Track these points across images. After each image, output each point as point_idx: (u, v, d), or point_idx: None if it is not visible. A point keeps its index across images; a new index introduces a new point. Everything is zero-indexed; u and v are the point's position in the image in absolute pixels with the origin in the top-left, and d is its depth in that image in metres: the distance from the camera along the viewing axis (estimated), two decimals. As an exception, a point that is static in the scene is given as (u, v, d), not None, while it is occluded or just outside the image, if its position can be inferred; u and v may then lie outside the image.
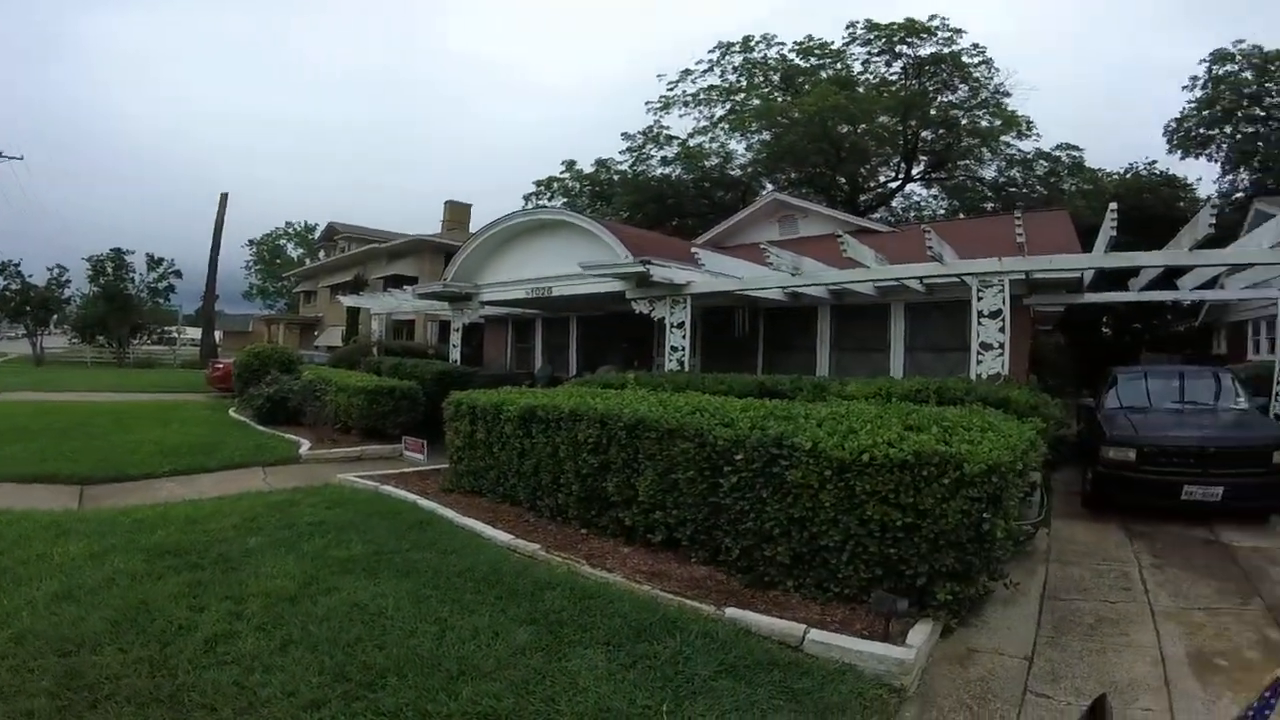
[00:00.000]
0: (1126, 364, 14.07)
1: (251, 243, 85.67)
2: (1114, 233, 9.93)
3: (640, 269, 12.33)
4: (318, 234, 60.82)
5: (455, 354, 18.25)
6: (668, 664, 4.66)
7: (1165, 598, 6.57)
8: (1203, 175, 67.29)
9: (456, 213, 45.27)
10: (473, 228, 41.83)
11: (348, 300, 27.18)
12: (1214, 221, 9.52)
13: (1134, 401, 11.05)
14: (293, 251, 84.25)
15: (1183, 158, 39.10)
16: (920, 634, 5.08)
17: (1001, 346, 9.82)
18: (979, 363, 9.90)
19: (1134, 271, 15.01)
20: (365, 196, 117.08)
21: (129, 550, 6.58)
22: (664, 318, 12.79)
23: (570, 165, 42.87)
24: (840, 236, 11.05)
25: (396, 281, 32.24)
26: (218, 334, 46.96)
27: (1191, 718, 4.55)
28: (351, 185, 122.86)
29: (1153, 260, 11.37)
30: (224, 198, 43.30)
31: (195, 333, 57.02)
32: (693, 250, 13.17)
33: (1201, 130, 37.54)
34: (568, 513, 7.97)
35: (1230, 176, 37.87)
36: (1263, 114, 35.29)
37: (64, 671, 4.31)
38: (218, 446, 12.84)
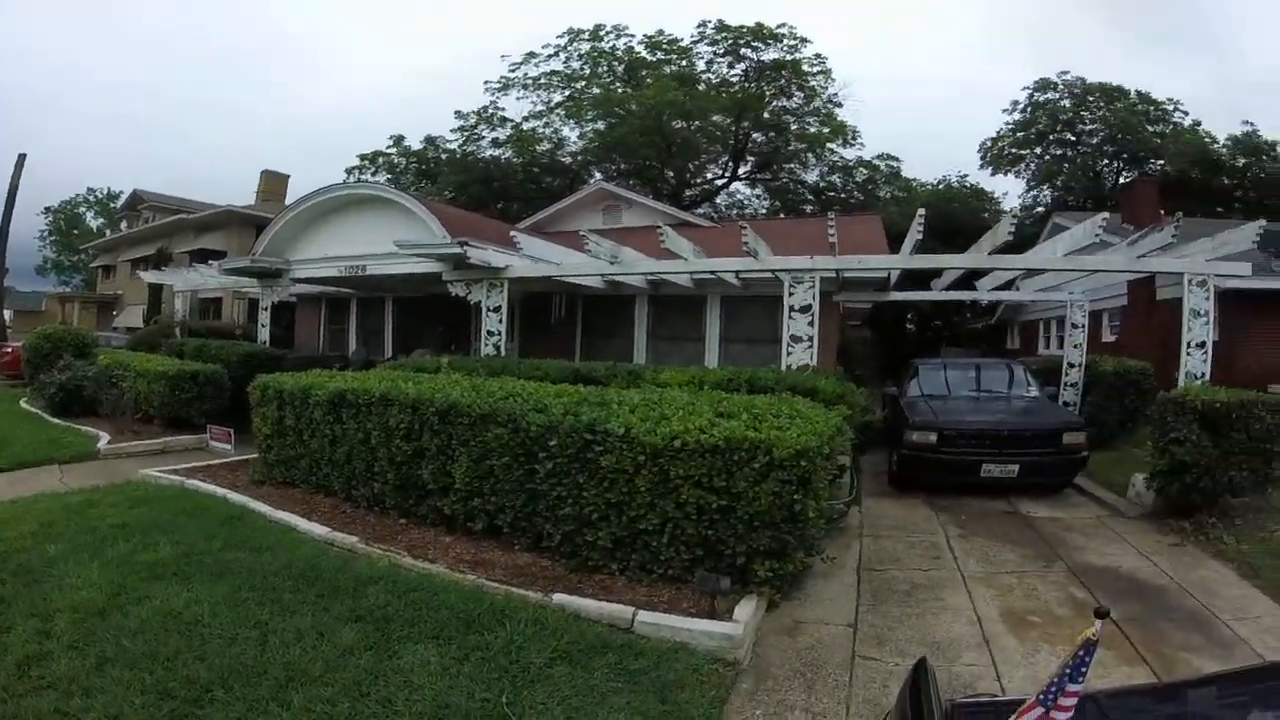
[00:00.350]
0: (927, 357, 14.84)
1: (48, 210, 74.68)
2: (920, 236, 10.40)
3: (457, 250, 11.86)
4: (121, 203, 55.41)
5: (264, 334, 16.86)
6: (501, 654, 4.55)
7: (974, 564, 7.14)
8: (1010, 190, 72.67)
9: (273, 184, 41.47)
10: (290, 201, 39.98)
11: (149, 276, 24.53)
12: (1013, 231, 10.18)
13: (934, 390, 11.86)
14: (93, 222, 74.59)
15: (993, 174, 43.64)
16: (746, 610, 5.18)
17: (811, 339, 10.07)
18: (789, 354, 10.09)
19: (938, 273, 15.93)
20: (177, 164, 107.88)
21: (-88, 569, 5.86)
22: (481, 301, 12.36)
23: (398, 141, 41.46)
24: (660, 228, 11.01)
25: (204, 256, 29.79)
26: (7, 314, 42.15)
27: (1012, 669, 4.86)
28: (163, 150, 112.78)
29: (953, 262, 12.15)
30: (21, 159, 38.28)
31: (-16, 312, 50.95)
32: (512, 234, 12.79)
33: (1014, 150, 41.91)
34: (385, 502, 7.57)
35: (1034, 192, 42.41)
36: (1073, 139, 39.65)
37: None
38: (7, 442, 11.47)
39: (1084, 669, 1.79)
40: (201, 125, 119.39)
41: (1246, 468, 7.94)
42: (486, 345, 12.12)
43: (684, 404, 6.48)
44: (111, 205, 68.41)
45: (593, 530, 5.93)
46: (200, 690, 4.06)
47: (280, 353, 16.23)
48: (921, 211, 10.43)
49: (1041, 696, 1.84)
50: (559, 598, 5.39)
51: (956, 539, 7.96)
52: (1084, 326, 14.62)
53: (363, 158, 41.77)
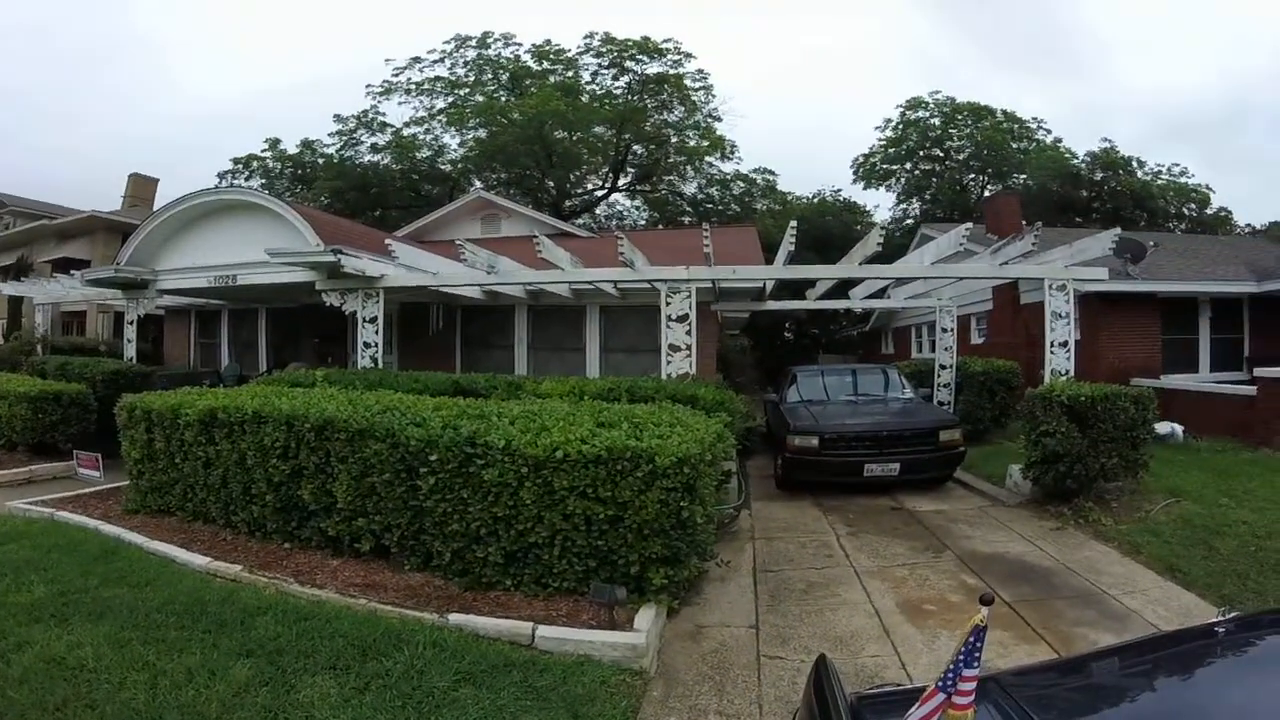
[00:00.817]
0: (804, 364, 15.19)
1: None
2: (793, 247, 10.62)
3: (331, 259, 11.38)
4: None
5: (130, 350, 15.57)
6: (402, 680, 4.38)
7: (865, 559, 7.33)
8: (881, 204, 75.57)
9: (140, 188, 38.32)
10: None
11: (7, 288, 22.66)
12: (882, 241, 10.50)
13: (813, 395, 12.21)
14: None
15: (865, 188, 46.04)
16: (646, 618, 5.15)
17: (689, 348, 10.14)
18: (668, 363, 10.15)
19: (813, 283, 16.41)
20: (40, 166, 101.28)
21: None
22: (356, 312, 11.92)
23: (274, 144, 39.44)
24: (537, 238, 10.91)
25: (67, 266, 27.32)
26: None
27: (915, 657, 5.03)
28: (23, 151, 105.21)
29: (825, 273, 12.60)
30: None
31: None
32: (387, 242, 12.42)
33: (885, 165, 43.78)
34: (266, 526, 7.16)
35: (904, 205, 44.44)
36: (941, 154, 41.85)
37: None
38: None
39: (977, 654, 1.87)
40: (67, 125, 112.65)
41: (1116, 454, 8.49)
42: (363, 357, 11.69)
43: (564, 415, 6.35)
44: None
45: (482, 546, 5.78)
46: (95, 741, 3.72)
47: (148, 370, 15.15)
48: (794, 223, 10.68)
49: (940, 683, 1.91)
50: (455, 618, 5.23)
51: (847, 536, 8.15)
52: (953, 330, 15.25)
53: (235, 161, 39.65)
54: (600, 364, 15.68)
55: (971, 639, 1.87)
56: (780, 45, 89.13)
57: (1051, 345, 10.10)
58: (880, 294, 17.46)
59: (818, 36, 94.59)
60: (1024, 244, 10.49)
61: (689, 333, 10.10)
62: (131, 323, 15.46)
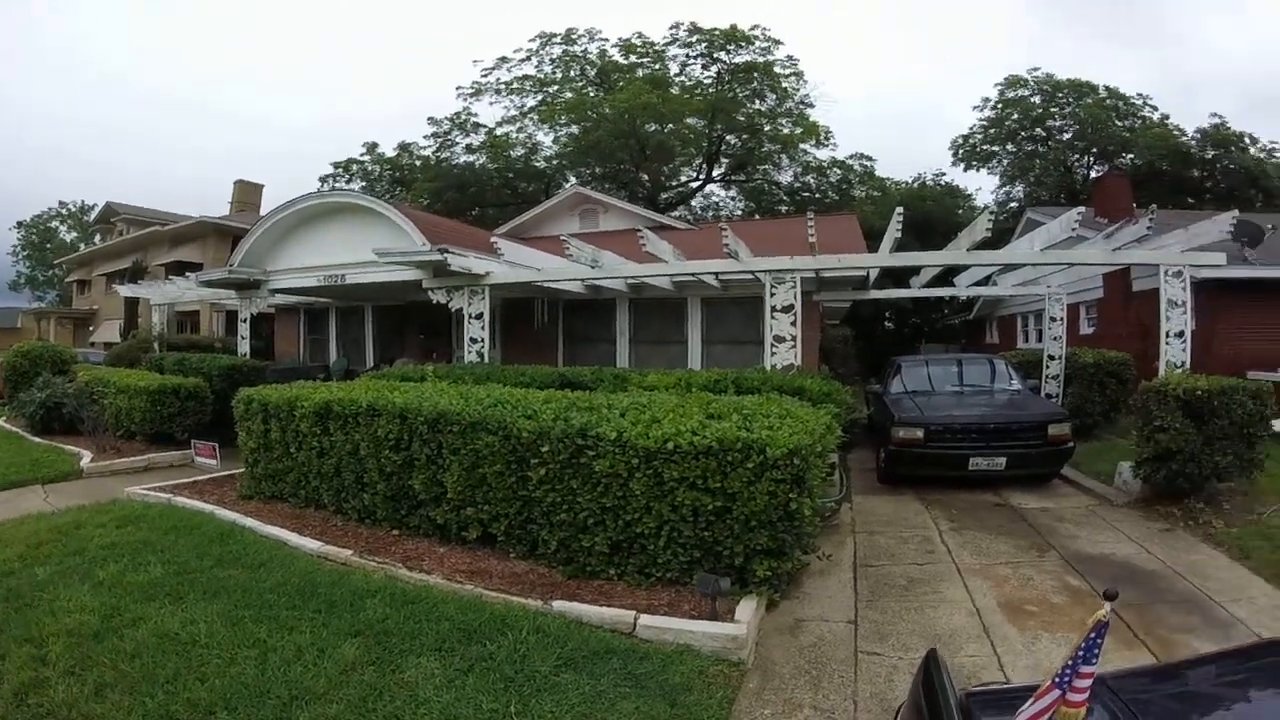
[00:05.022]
0: (907, 354, 14.95)
1: (20, 225, 73.52)
2: (899, 234, 10.41)
3: (438, 257, 11.71)
4: (95, 216, 53.34)
5: (244, 346, 16.43)
6: (505, 664, 4.51)
7: (968, 556, 7.19)
8: (982, 186, 73.24)
9: (247, 193, 41.21)
10: (264, 211, 39.39)
11: (125, 290, 24.02)
12: (990, 227, 10.25)
13: (918, 386, 12.03)
14: (66, 235, 72.47)
15: (965, 170, 44.16)
16: (747, 610, 5.18)
17: (794, 339, 10.04)
18: (773, 354, 10.07)
19: (917, 270, 16.07)
20: (150, 176, 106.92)
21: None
22: (462, 308, 12.25)
23: (372, 148, 41.07)
24: (640, 231, 11.01)
25: (179, 268, 29.10)
26: None
27: (1015, 659, 4.94)
28: (136, 162, 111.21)
29: (932, 259, 12.24)
30: None
31: (-41, 331, 47.99)
32: (492, 240, 12.69)
33: (986, 146, 42.42)
34: (376, 514, 7.47)
35: (1007, 188, 43.01)
36: (1044, 135, 40.20)
37: None
38: None
39: (1096, 651, 1.83)
40: (174, 135, 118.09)
41: (1231, 453, 8.07)
42: (469, 352, 12.00)
43: (673, 406, 6.44)
44: (85, 218, 66.92)
45: (589, 535, 5.90)
46: (203, 713, 3.99)
47: (262, 364, 15.87)
48: (899, 210, 10.49)
49: (1056, 679, 1.88)
50: (559, 604, 5.34)
51: (949, 532, 8.02)
52: (1062, 319, 14.75)
53: (336, 165, 41.44)
54: (702, 356, 15.71)
55: (1093, 635, 1.84)
56: (868, 26, 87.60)
57: (1167, 335, 9.66)
58: (985, 281, 16.94)
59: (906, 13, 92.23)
60: (1139, 228, 10.08)
61: (794, 323, 10.01)
62: (244, 320, 16.23)
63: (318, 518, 7.92)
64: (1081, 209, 10.08)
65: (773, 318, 10.08)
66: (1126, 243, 10.38)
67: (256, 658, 4.56)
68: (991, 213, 10.07)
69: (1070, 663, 1.87)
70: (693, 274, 12.39)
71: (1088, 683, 1.86)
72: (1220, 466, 8.10)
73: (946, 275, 16.74)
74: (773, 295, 10.07)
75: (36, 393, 14.13)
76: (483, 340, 11.99)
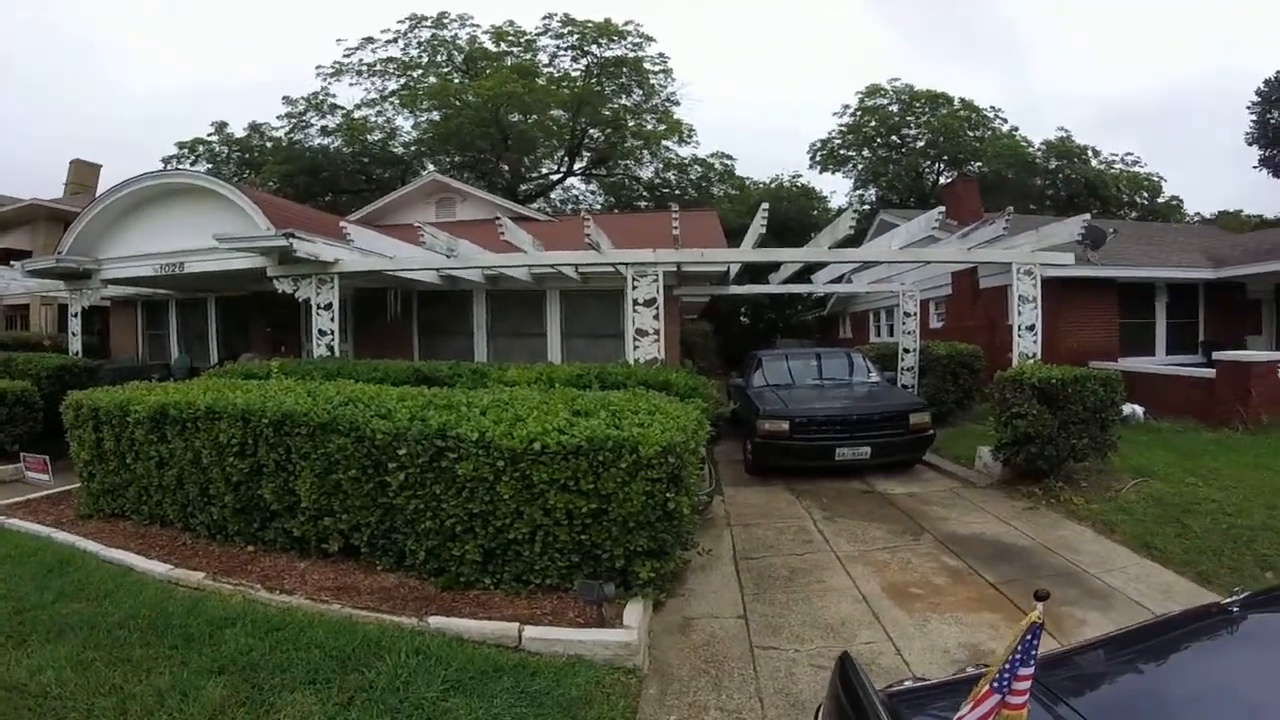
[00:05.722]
0: (763, 348, 15.18)
1: None
2: (763, 231, 10.39)
3: (283, 243, 10.86)
4: None
5: (75, 344, 14.78)
6: (388, 693, 4.12)
7: (845, 544, 7.32)
8: (837, 189, 76.16)
9: (83, 174, 36.85)
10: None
11: None
12: (853, 226, 10.46)
13: (779, 380, 12.21)
14: None
15: (821, 172, 46.13)
16: (635, 613, 4.99)
17: (657, 333, 9.89)
18: (635, 348, 9.89)
19: (776, 267, 16.30)
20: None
21: None
22: (310, 299, 11.43)
23: (220, 127, 38.23)
24: (499, 220, 10.61)
25: (6, 257, 26.26)
26: None
27: (909, 642, 5.00)
28: None
29: (795, 256, 12.39)
30: None
31: None
32: (342, 225, 11.97)
33: (843, 151, 44.18)
34: (227, 529, 6.74)
35: (860, 191, 44.76)
36: (899, 142, 42.17)
37: None
38: None
39: (1033, 652, 1.83)
40: (6, 111, 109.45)
41: (1086, 436, 8.62)
42: (319, 346, 11.24)
43: (537, 403, 6.09)
44: None
45: (458, 544, 5.51)
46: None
47: (95, 364, 14.37)
48: (765, 206, 10.45)
49: (995, 684, 1.85)
50: (436, 620, 4.96)
51: (823, 521, 8.13)
52: (916, 315, 15.32)
53: (181, 145, 38.29)
54: (562, 350, 15.48)
55: (1028, 637, 1.81)
56: (735, 28, 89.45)
57: (1019, 329, 10.10)
58: (842, 279, 17.48)
59: (771, 16, 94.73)
60: (995, 228, 10.50)
61: (656, 317, 9.86)
62: (75, 315, 14.76)
63: (165, 536, 7.15)
64: (942, 208, 10.46)
65: (635, 311, 9.89)
66: (982, 242, 10.76)
67: (115, 707, 4.05)
68: (855, 212, 10.16)
69: (1007, 665, 1.84)
70: (552, 265, 12.08)
71: (1027, 684, 1.85)
72: (1076, 449, 8.64)
73: (804, 272, 17.18)
74: (635, 288, 9.89)
75: None
76: (332, 333, 11.26)
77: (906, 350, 15.04)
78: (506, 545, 5.40)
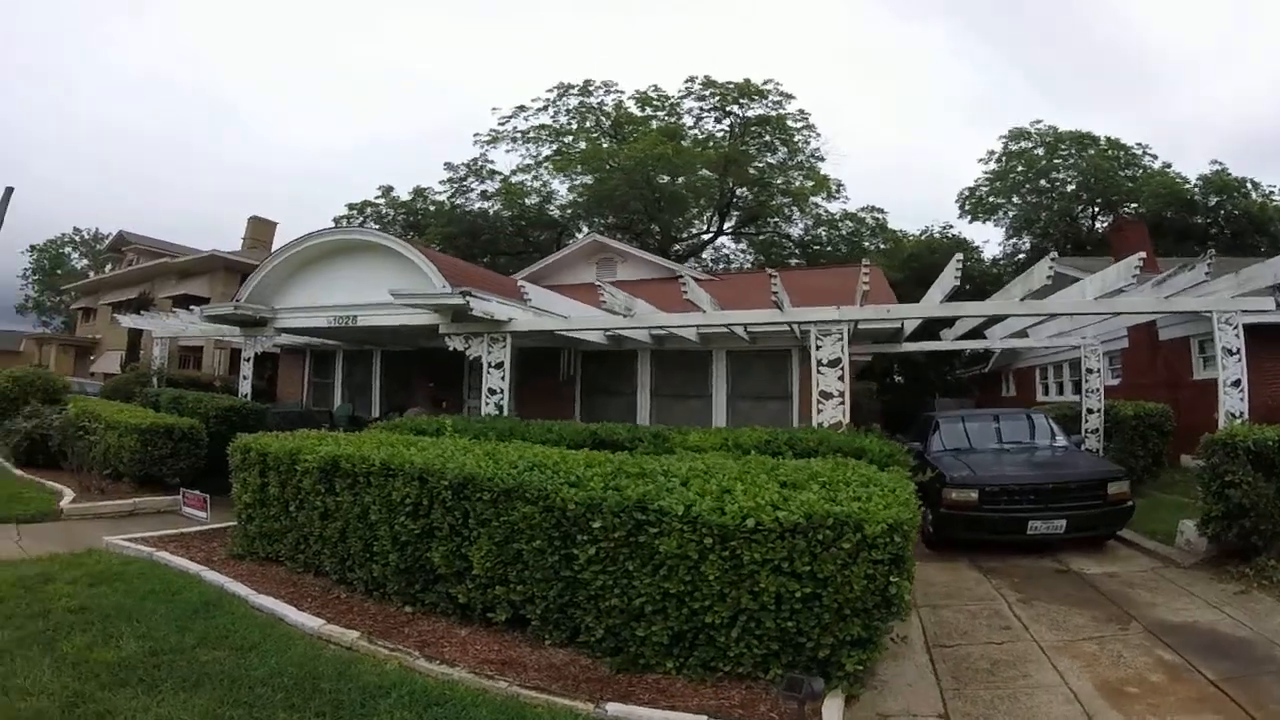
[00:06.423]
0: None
1: (33, 249, 72.87)
2: (957, 282, 9.89)
3: (459, 301, 11.15)
4: (107, 244, 52.15)
5: (245, 387, 15.82)
6: None
7: (1046, 631, 6.60)
8: (990, 238, 74.01)
9: (260, 230, 41.17)
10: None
11: (128, 320, 23.28)
12: (1051, 275, 9.68)
13: (957, 444, 11.41)
14: (78, 262, 72.04)
15: (971, 222, 44.97)
16: (834, 710, 4.48)
17: (842, 395, 9.56)
18: (819, 411, 9.56)
19: (949, 323, 15.53)
20: (165, 208, 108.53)
21: None
22: (481, 356, 11.69)
23: (387, 191, 41.13)
24: (683, 279, 10.54)
25: (186, 302, 28.57)
26: None
27: None
28: (149, 194, 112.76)
29: (985, 310, 11.72)
30: (9, 193, 36.11)
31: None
32: (519, 284, 12.16)
33: (992, 199, 43.07)
34: (386, 587, 6.55)
35: (1014, 240, 43.43)
36: (1048, 186, 40.64)
37: None
38: None
39: None
40: (190, 171, 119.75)
41: None
42: (487, 404, 11.42)
43: (737, 473, 5.67)
44: (97, 246, 67.04)
45: (644, 624, 5.13)
46: None
47: (261, 407, 15.17)
48: (958, 257, 9.96)
49: None
50: (614, 708, 4.55)
51: (1018, 604, 7.44)
52: (1099, 371, 14.37)
53: (351, 207, 41.44)
54: (727, 412, 15.24)
55: None
56: (864, 82, 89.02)
57: (1224, 385, 9.31)
58: (1021, 334, 16.46)
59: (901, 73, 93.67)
60: (1195, 274, 9.75)
61: (841, 378, 9.54)
62: (248, 359, 15.61)
63: (318, 586, 7.06)
64: (1142, 255, 9.63)
65: (819, 372, 9.61)
66: (1181, 289, 10.07)
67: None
68: (1053, 259, 9.56)
69: None
70: (728, 325, 11.87)
71: None
72: (1293, 522, 7.65)
73: (977, 328, 16.35)
74: (819, 348, 9.62)
75: (23, 422, 13.39)
76: (502, 391, 11.45)
77: (1090, 410, 14.07)
78: (699, 629, 5.01)
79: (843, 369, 9.58)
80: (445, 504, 6.06)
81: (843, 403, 9.50)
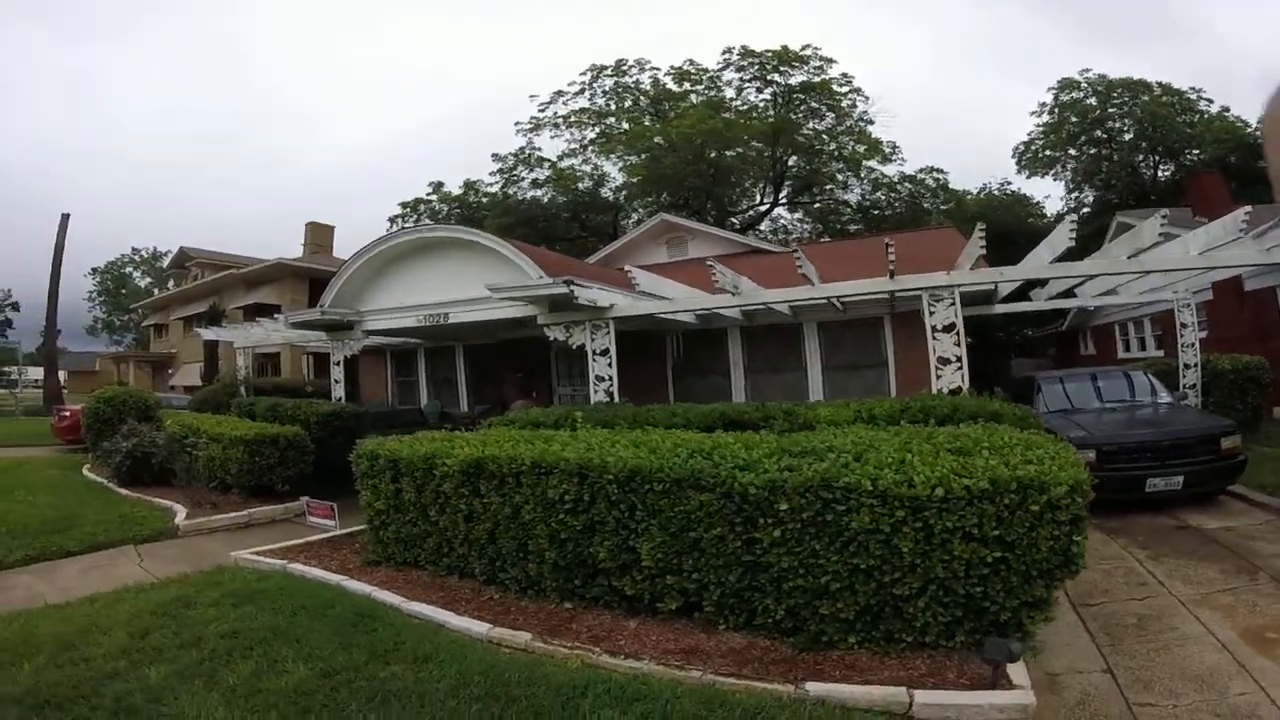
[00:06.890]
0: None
1: (94, 271, 76.76)
2: (1072, 243, 9.67)
3: (560, 290, 11.14)
4: (167, 261, 54.80)
5: (339, 391, 15.88)
6: None
7: (1181, 586, 6.79)
8: (1050, 194, 72.38)
9: (318, 235, 42.16)
10: (336, 252, 40.02)
11: (207, 333, 24.41)
12: (1163, 231, 9.54)
13: (1061, 405, 11.46)
14: (140, 280, 76.06)
15: (1029, 177, 43.54)
16: (1019, 671, 4.61)
17: (959, 360, 9.56)
18: (938, 378, 9.61)
19: (1044, 282, 15.44)
20: (217, 221, 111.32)
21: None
22: (585, 344, 11.78)
23: (438, 187, 41.42)
24: (796, 253, 10.57)
25: (256, 311, 29.70)
26: (62, 374, 40.23)
27: None
28: (202, 208, 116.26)
29: (1093, 269, 11.33)
30: (65, 219, 36.54)
31: (39, 373, 48.51)
32: (627, 270, 12.13)
33: (1048, 152, 41.84)
34: (542, 584, 6.54)
35: (1076, 194, 42.20)
36: (1105, 136, 39.42)
37: None
38: (76, 519, 10.37)
39: None
40: (227, 182, 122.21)
41: None
42: (596, 391, 11.57)
43: (900, 445, 5.66)
44: (157, 263, 70.04)
45: (829, 602, 5.13)
46: None
47: (361, 410, 15.52)
48: (1072, 217, 9.83)
49: None
50: (814, 687, 4.53)
51: (1148, 561, 7.59)
52: (1194, 325, 14.24)
53: (404, 205, 41.87)
54: (823, 383, 15.32)
55: None
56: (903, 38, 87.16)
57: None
58: (1109, 291, 16.24)
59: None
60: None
61: (958, 344, 9.57)
62: (338, 363, 15.75)
63: (467, 589, 6.97)
64: (1248, 208, 9.53)
65: (934, 338, 9.64)
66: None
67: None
68: (1164, 217, 9.42)
69: None
70: (838, 296, 11.89)
71: None
72: None
73: (1070, 288, 16.18)
74: (931, 314, 9.65)
75: (122, 441, 13.47)
76: (610, 378, 11.55)
77: (1187, 366, 13.97)
78: (886, 602, 5.04)
79: (958, 333, 9.61)
80: (610, 498, 6.03)
81: (960, 367, 9.52)
